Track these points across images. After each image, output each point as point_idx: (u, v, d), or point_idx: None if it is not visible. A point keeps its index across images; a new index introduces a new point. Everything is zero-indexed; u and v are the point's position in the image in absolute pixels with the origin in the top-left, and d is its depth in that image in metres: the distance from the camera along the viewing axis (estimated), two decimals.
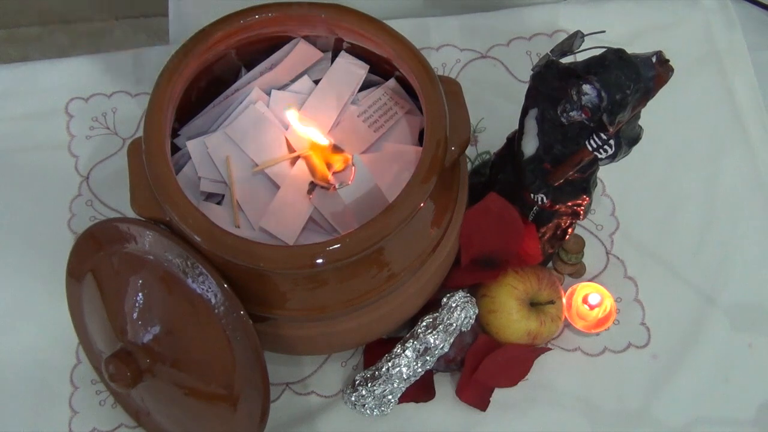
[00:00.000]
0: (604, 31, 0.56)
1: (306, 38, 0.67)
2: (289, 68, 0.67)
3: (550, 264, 0.73)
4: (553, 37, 0.83)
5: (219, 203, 0.64)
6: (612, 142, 0.55)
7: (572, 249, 0.70)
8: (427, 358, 0.65)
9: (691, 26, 0.84)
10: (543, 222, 0.67)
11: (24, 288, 0.73)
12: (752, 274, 0.74)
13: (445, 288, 0.67)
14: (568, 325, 0.71)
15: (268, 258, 0.54)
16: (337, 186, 0.61)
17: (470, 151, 0.79)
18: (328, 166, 0.63)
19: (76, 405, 0.69)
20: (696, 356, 0.71)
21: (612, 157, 0.57)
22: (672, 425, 0.68)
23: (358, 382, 0.67)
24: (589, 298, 0.69)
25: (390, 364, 0.65)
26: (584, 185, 0.62)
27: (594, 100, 0.53)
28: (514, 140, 0.64)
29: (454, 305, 0.66)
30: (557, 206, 0.64)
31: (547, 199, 0.63)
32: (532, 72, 0.59)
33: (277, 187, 0.63)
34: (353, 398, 0.67)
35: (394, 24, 0.62)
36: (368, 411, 0.67)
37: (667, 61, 0.53)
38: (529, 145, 0.61)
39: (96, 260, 0.62)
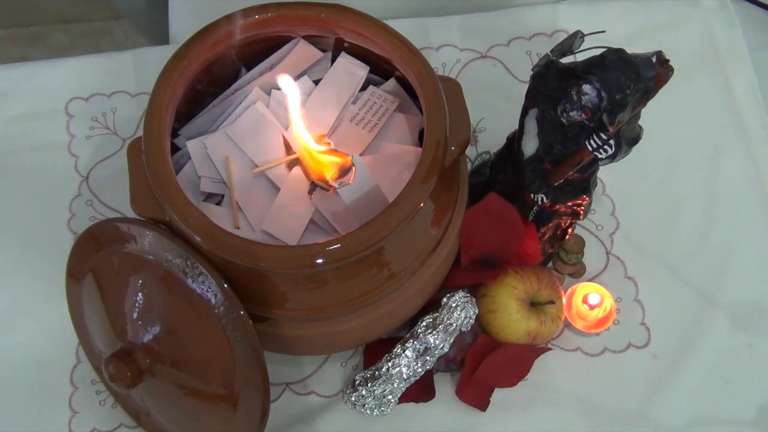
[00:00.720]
0: (604, 31, 0.56)
1: (306, 38, 0.67)
2: (289, 68, 0.67)
3: (550, 264, 0.73)
4: (553, 37, 0.83)
5: (219, 203, 0.64)
6: (612, 142, 0.55)
7: (572, 249, 0.70)
8: (427, 358, 0.65)
9: (691, 26, 0.84)
10: (543, 222, 0.67)
11: (24, 288, 0.73)
12: (752, 274, 0.74)
13: (445, 288, 0.67)
14: (568, 325, 0.71)
15: (268, 258, 0.54)
16: (337, 186, 0.61)
17: (470, 151, 0.79)
18: (327, 167, 0.63)
19: (76, 405, 0.69)
20: (696, 356, 0.71)
21: (612, 157, 0.57)
22: (672, 425, 0.68)
23: (358, 382, 0.67)
24: (589, 298, 0.69)
25: (390, 364, 0.65)
26: (584, 185, 0.62)
27: (594, 100, 0.53)
28: (514, 140, 0.64)
29: (454, 305, 0.66)
30: (557, 206, 0.64)
31: (547, 199, 0.63)
32: (532, 72, 0.59)
33: (277, 188, 0.63)
34: (353, 398, 0.67)
35: (394, 24, 0.62)
36: (368, 411, 0.67)
37: (667, 61, 0.53)
38: (529, 145, 0.61)
39: (96, 260, 0.62)
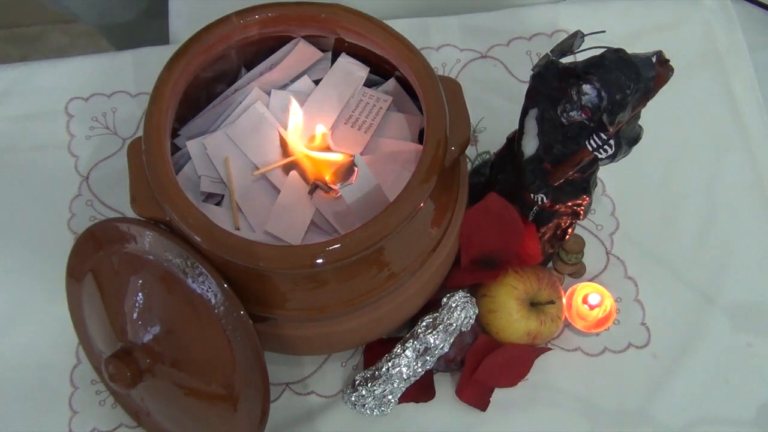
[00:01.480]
0: (604, 31, 0.56)
1: (306, 38, 0.67)
2: (289, 68, 0.67)
3: (550, 264, 0.73)
4: (553, 37, 0.83)
5: (218, 204, 0.64)
6: (612, 142, 0.55)
7: (572, 249, 0.70)
8: (427, 358, 0.65)
9: (691, 26, 0.84)
10: (543, 222, 0.67)
11: (24, 288, 0.73)
12: (752, 274, 0.74)
13: (445, 288, 0.67)
14: (568, 325, 0.71)
15: (268, 258, 0.54)
16: (339, 186, 0.61)
17: (470, 151, 0.79)
18: (326, 168, 0.63)
19: (76, 405, 0.69)
20: (696, 356, 0.71)
21: (612, 157, 0.57)
22: (672, 425, 0.68)
23: (358, 382, 0.67)
24: (589, 298, 0.69)
25: (390, 364, 0.65)
26: (584, 185, 0.62)
27: (594, 100, 0.53)
28: (514, 140, 0.64)
29: (454, 305, 0.66)
30: (557, 206, 0.64)
31: (547, 199, 0.63)
32: (532, 72, 0.59)
33: (277, 189, 0.63)
34: (353, 398, 0.67)
35: (394, 24, 0.62)
36: (368, 411, 0.67)
37: (667, 61, 0.53)
38: (529, 145, 0.61)
39: (96, 260, 0.62)
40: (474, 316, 0.67)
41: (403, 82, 0.66)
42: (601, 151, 0.56)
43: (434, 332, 0.65)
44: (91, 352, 0.67)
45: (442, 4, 0.85)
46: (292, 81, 0.68)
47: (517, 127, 0.63)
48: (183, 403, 0.60)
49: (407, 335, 0.66)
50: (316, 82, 0.68)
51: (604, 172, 0.76)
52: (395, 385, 0.66)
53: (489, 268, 0.68)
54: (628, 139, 0.57)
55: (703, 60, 0.83)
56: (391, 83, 0.67)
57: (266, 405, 0.58)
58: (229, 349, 0.56)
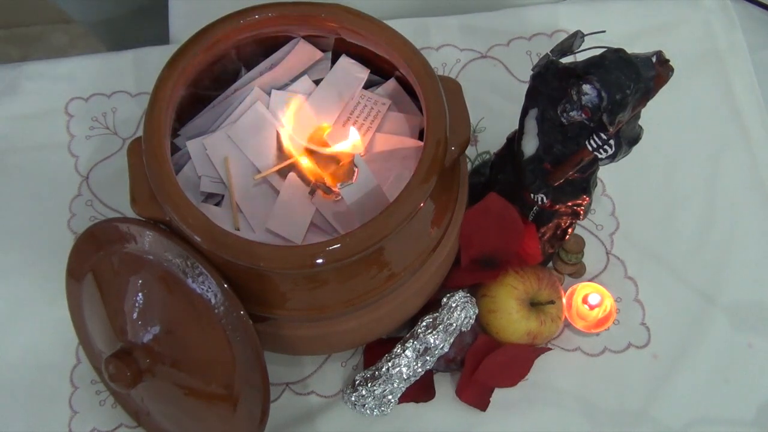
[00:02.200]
0: (604, 31, 0.56)
1: (306, 38, 0.67)
2: (289, 68, 0.67)
3: (550, 264, 0.73)
4: (553, 37, 0.83)
5: (218, 204, 0.64)
6: (612, 142, 0.55)
7: (572, 249, 0.70)
8: (427, 358, 0.65)
9: (691, 26, 0.84)
10: (543, 222, 0.67)
11: (24, 288, 0.73)
12: (752, 274, 0.74)
13: (445, 288, 0.67)
14: (568, 325, 0.71)
15: (268, 258, 0.53)
16: (340, 186, 0.61)
17: (470, 151, 0.79)
18: (325, 168, 0.63)
19: (76, 405, 0.69)
20: (696, 356, 0.71)
21: (612, 157, 0.57)
22: (672, 425, 0.68)
23: (358, 382, 0.67)
24: (589, 298, 0.69)
25: (390, 364, 0.65)
26: (584, 185, 0.62)
27: (594, 100, 0.53)
28: (514, 140, 0.64)
29: (454, 305, 0.66)
30: (557, 206, 0.64)
31: (547, 199, 0.63)
32: (532, 72, 0.59)
33: (277, 190, 0.63)
34: (353, 398, 0.67)
35: (394, 24, 0.62)
36: (368, 411, 0.67)
37: (667, 61, 0.53)
38: (529, 145, 0.61)
39: (96, 260, 0.62)
40: (474, 316, 0.67)
41: (403, 82, 0.66)
42: (601, 151, 0.56)
43: (434, 332, 0.65)
44: (91, 352, 0.67)
45: (442, 4, 0.85)
46: (292, 81, 0.68)
47: (517, 127, 0.63)
48: (183, 403, 0.60)
49: (407, 335, 0.66)
50: (316, 82, 0.68)
51: (604, 172, 0.76)
52: (395, 385, 0.66)
53: (489, 268, 0.68)
54: (628, 139, 0.57)
55: (703, 60, 0.83)
56: (391, 83, 0.67)
57: (266, 405, 0.58)
58: (229, 349, 0.56)
